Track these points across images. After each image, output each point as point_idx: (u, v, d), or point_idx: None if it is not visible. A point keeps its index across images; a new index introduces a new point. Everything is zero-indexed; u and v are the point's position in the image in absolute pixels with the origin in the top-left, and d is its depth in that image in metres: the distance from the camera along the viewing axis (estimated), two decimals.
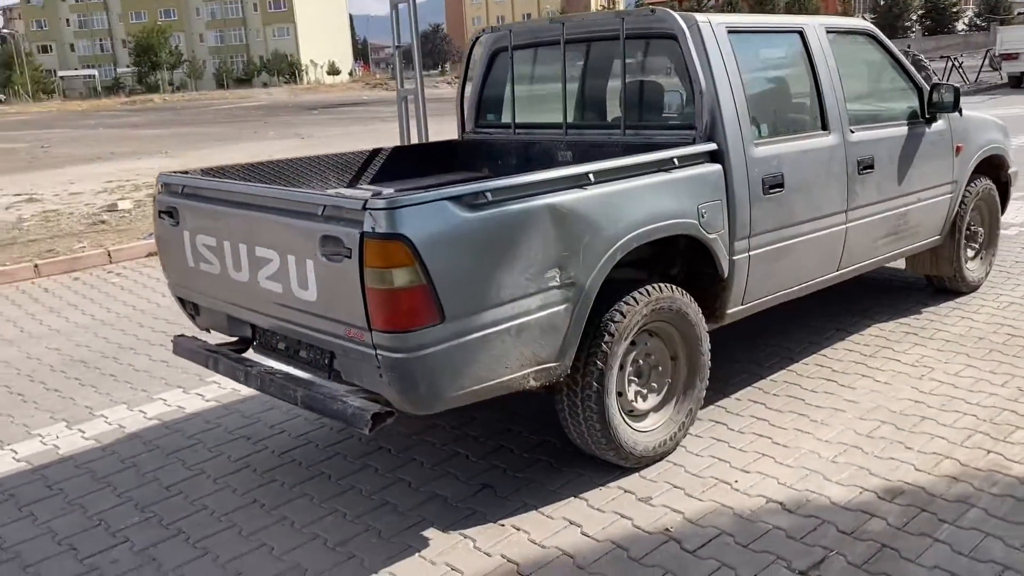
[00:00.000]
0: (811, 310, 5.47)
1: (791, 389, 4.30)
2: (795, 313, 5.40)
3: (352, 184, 4.40)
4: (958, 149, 5.16)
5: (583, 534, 3.12)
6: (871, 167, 4.45)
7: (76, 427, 4.41)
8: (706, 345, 3.72)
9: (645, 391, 3.61)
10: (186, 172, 3.80)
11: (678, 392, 3.71)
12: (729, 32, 3.85)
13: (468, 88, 4.82)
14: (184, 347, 3.74)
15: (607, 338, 3.30)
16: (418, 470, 3.69)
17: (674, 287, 3.55)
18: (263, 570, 3.04)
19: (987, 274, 5.82)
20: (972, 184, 5.40)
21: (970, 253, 5.70)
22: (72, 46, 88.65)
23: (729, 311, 3.87)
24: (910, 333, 5.01)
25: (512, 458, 3.73)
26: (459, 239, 2.77)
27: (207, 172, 3.89)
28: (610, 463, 3.52)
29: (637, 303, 3.39)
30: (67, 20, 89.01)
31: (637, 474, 3.53)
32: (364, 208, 2.66)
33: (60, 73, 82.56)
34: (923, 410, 3.97)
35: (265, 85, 77.39)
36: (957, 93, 4.85)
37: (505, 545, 3.08)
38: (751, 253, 3.84)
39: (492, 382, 2.96)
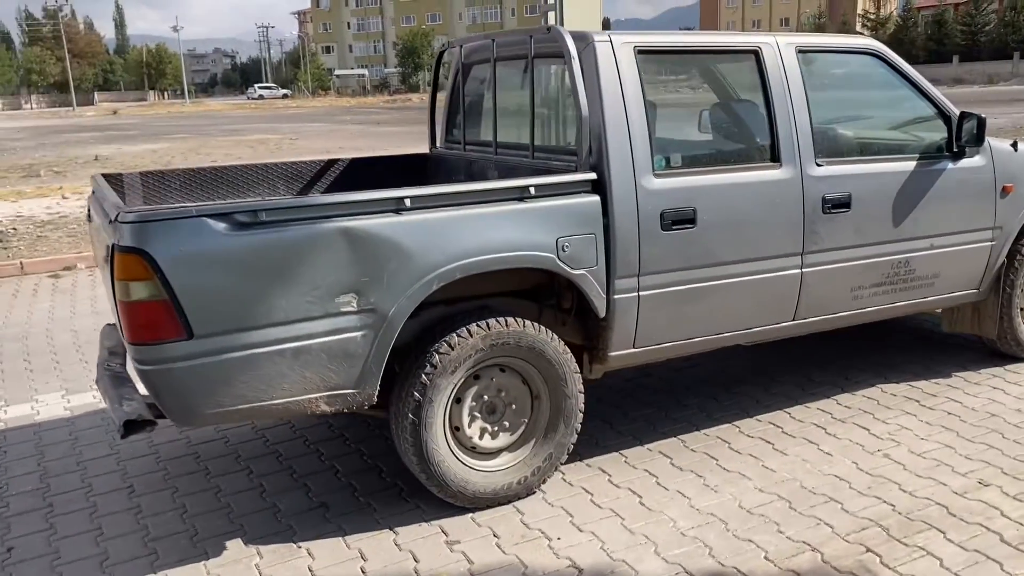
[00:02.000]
0: (823, 358, 4.92)
1: (716, 447, 3.88)
2: (798, 360, 4.88)
3: (301, 194, 4.52)
4: (1005, 190, 4.39)
5: (361, 569, 3.03)
6: (846, 206, 3.90)
7: (68, 397, 4.90)
8: (574, 387, 3.46)
9: (495, 428, 3.43)
10: (119, 175, 4.10)
11: (538, 434, 3.48)
12: (639, 52, 3.53)
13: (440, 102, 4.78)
14: (102, 335, 4.04)
15: (428, 369, 3.18)
16: (282, 479, 3.75)
17: (526, 321, 3.34)
18: (80, 551, 3.22)
19: None
20: None
21: None
22: (351, 47, 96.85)
23: (613, 353, 3.56)
24: (911, 399, 4.33)
25: (372, 480, 3.68)
26: (218, 257, 2.78)
27: (146, 175, 4.18)
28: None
29: (471, 335, 3.23)
30: (348, 23, 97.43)
31: (472, 515, 3.36)
32: (115, 220, 2.76)
33: (336, 72, 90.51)
34: (839, 490, 3.44)
35: None
36: (980, 124, 4.13)
37: (285, 568, 3.06)
38: (642, 293, 3.51)
39: (266, 403, 2.95)
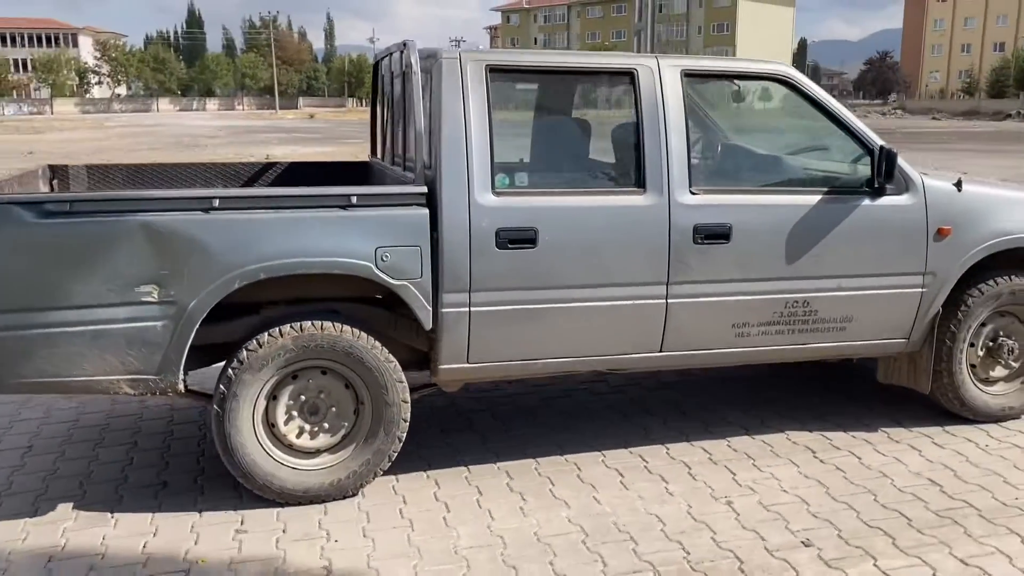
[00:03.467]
0: (753, 399, 4.65)
1: (564, 473, 3.80)
2: (724, 398, 4.66)
3: None
4: (940, 232, 4.01)
5: (144, 544, 3.21)
6: (723, 237, 3.72)
7: None
8: (396, 395, 3.51)
9: (315, 429, 3.53)
10: (66, 167, 4.53)
11: (359, 439, 3.55)
12: (491, 70, 3.54)
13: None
14: None
15: (234, 364, 3.34)
16: (154, 455, 3.99)
17: (344, 327, 3.43)
18: None
19: None
20: (986, 282, 4.14)
21: (998, 372, 4.34)
22: None
23: (445, 366, 3.58)
24: (810, 450, 4.04)
25: (223, 465, 3.86)
26: (22, 241, 3.06)
27: (92, 168, 4.59)
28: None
29: (281, 336, 3.36)
30: (535, 39, 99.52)
31: (279, 509, 3.47)
32: None
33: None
34: (647, 531, 3.29)
35: None
36: (888, 159, 3.79)
37: (86, 534, 3.28)
38: (473, 309, 3.51)
39: (67, 379, 3.20)
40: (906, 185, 3.98)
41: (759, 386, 4.88)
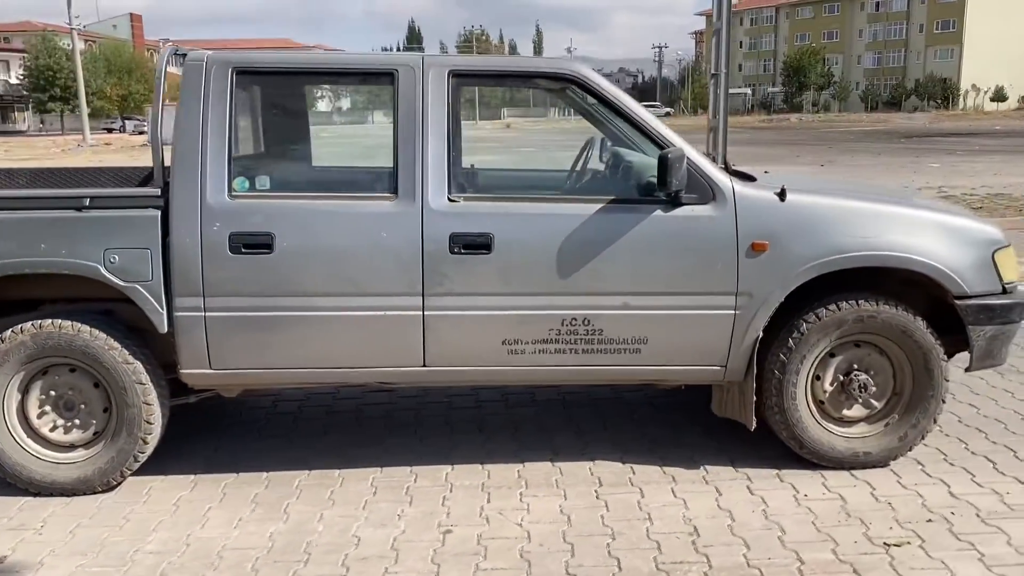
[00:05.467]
0: (603, 422, 4.29)
1: (317, 489, 3.66)
2: (581, 419, 4.33)
3: None
4: (755, 247, 3.51)
5: None
6: (484, 248, 3.46)
7: None
8: (136, 397, 3.55)
9: (69, 424, 3.64)
10: None
11: (108, 437, 3.63)
12: (239, 73, 3.52)
13: None
14: None
15: None
16: None
17: (81, 327, 3.51)
18: None
19: (895, 452, 3.73)
20: (825, 307, 3.58)
21: (856, 411, 3.73)
22: (740, 66, 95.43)
23: (186, 371, 3.58)
24: (598, 481, 3.66)
25: None
26: None
27: None
28: None
29: (21, 332, 3.51)
30: (740, 42, 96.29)
31: (30, 499, 3.59)
32: None
33: None
34: (331, 554, 3.13)
35: (915, 109, 73.36)
36: (663, 164, 3.35)
37: None
38: (208, 314, 3.49)
39: None
40: (712, 194, 3.52)
41: (623, 411, 4.49)
